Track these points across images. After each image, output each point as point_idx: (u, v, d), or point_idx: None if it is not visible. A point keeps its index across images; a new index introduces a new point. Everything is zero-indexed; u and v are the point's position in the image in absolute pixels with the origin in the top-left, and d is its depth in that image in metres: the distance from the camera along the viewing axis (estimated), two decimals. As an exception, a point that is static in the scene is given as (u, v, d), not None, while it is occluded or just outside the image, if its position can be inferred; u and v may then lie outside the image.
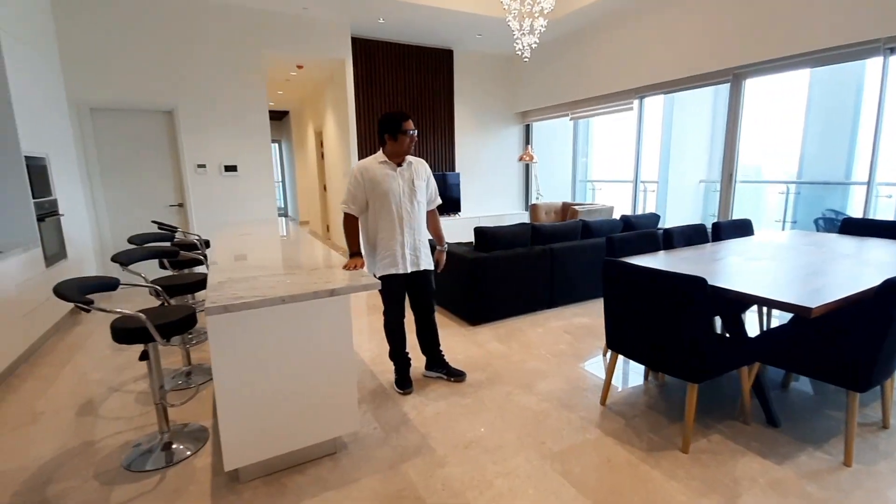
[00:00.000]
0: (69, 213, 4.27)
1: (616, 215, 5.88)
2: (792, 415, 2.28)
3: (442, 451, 2.05)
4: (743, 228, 3.59)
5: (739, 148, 4.62)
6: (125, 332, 1.86)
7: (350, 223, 2.48)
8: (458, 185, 7.21)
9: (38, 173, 3.67)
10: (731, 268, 2.43)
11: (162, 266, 3.24)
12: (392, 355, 2.68)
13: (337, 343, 1.93)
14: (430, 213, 2.67)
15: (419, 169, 2.54)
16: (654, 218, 4.70)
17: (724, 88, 4.70)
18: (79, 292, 1.76)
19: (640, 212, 6.33)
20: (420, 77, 6.81)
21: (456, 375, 2.73)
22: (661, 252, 2.97)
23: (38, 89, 3.89)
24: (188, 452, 2.09)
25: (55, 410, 2.49)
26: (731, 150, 4.64)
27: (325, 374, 1.93)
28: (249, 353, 1.76)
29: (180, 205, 5.25)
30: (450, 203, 7.17)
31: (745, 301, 2.00)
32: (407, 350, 2.69)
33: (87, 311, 1.74)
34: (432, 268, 2.63)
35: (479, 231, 3.78)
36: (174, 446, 2.11)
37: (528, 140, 7.92)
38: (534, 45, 4.47)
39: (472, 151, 7.51)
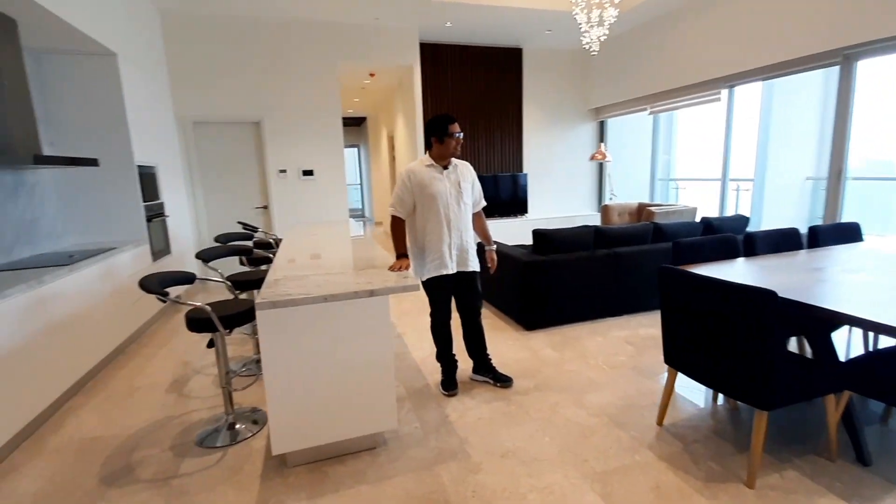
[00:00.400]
0: (174, 214, 4.89)
1: (700, 217, 5.38)
2: (889, 453, 1.91)
3: (478, 457, 2.03)
4: (849, 233, 3.09)
5: (850, 140, 3.98)
6: (195, 321, 2.09)
7: (397, 226, 2.52)
8: (526, 185, 7.07)
9: (148, 181, 4.25)
10: (822, 280, 2.10)
11: (241, 263, 3.58)
12: (439, 356, 2.71)
13: (376, 342, 1.99)
14: (476, 216, 2.68)
15: (464, 171, 2.55)
16: (742, 220, 4.22)
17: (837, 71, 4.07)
18: (159, 285, 2.01)
19: (730, 213, 5.73)
20: (488, 77, 6.78)
21: (503, 381, 2.68)
22: (740, 260, 2.66)
23: (151, 107, 4.51)
24: (249, 434, 2.29)
25: (150, 386, 2.87)
26: (841, 142, 4.01)
27: (365, 372, 2.00)
28: (295, 347, 1.88)
29: (265, 207, 5.77)
30: (517, 204, 7.06)
31: (834, 320, 1.72)
32: (454, 352, 2.71)
33: (164, 301, 1.98)
34: (479, 269, 2.61)
35: (537, 233, 3.67)
36: (237, 427, 2.32)
37: (602, 137, 7.53)
38: (603, 38, 4.24)
39: (542, 151, 7.32)
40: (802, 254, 2.74)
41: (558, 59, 7.13)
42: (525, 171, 7.19)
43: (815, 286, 2.00)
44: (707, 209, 5.92)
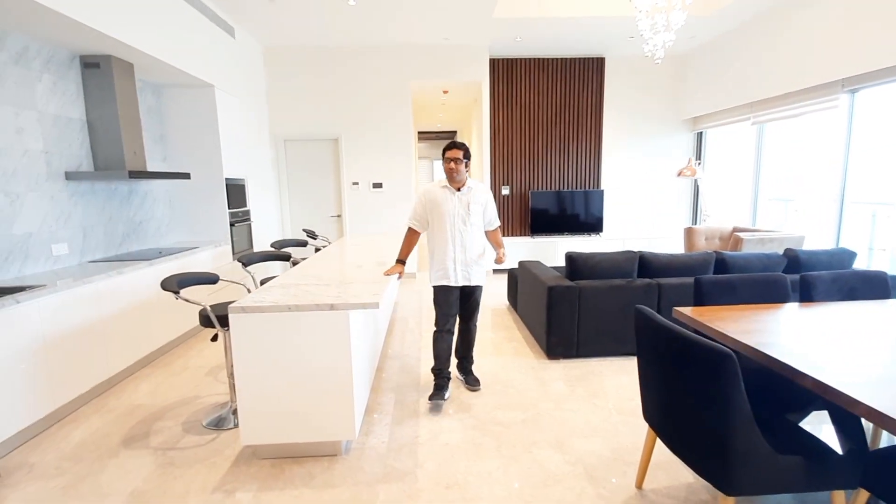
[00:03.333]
0: (262, 219, 5.63)
1: (812, 246, 4.49)
2: None
3: (424, 484, 2.00)
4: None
5: None
6: (203, 318, 2.43)
7: (409, 236, 2.79)
8: (602, 203, 6.60)
9: (237, 191, 4.97)
10: (862, 346, 1.65)
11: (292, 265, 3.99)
12: (434, 369, 2.85)
13: (335, 354, 2.09)
14: (491, 233, 2.91)
15: (477, 194, 2.75)
16: (844, 256, 3.43)
17: None
18: (176, 284, 2.38)
19: (857, 244, 4.69)
20: (565, 89, 6.52)
21: (472, 384, 2.92)
22: (787, 306, 2.20)
23: (246, 128, 5.27)
24: (248, 422, 2.56)
25: (197, 367, 3.36)
26: None
27: (324, 381, 2.11)
28: (262, 349, 2.07)
29: (338, 216, 6.31)
30: (591, 222, 6.62)
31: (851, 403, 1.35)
32: (450, 368, 2.88)
33: (176, 298, 2.34)
34: (482, 283, 2.83)
35: (569, 256, 3.45)
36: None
37: (699, 150, 6.71)
38: (669, 43, 3.82)
39: (624, 165, 6.77)
40: (882, 305, 2.15)
41: (648, 66, 6.55)
42: (602, 187, 6.72)
43: (847, 351, 1.58)
44: (824, 238, 4.91)
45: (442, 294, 2.74)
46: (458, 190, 2.70)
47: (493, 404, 2.71)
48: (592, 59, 6.48)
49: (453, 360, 2.92)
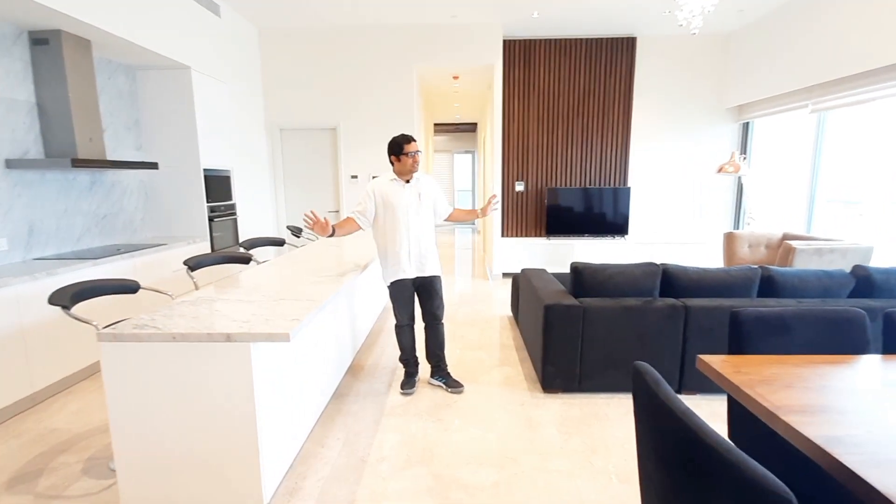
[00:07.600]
0: (250, 213, 5.23)
1: (883, 261, 3.69)
2: None
3: (338, 582, 1.48)
4: None
5: None
6: (101, 337, 1.99)
7: (348, 222, 2.72)
8: (628, 202, 5.86)
9: (219, 183, 4.59)
10: None
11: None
12: (400, 358, 2.90)
13: (235, 400, 1.60)
14: (454, 215, 2.90)
15: (427, 185, 2.75)
16: (933, 276, 2.66)
17: None
18: (69, 298, 1.94)
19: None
20: (589, 74, 5.81)
21: (454, 387, 2.80)
22: (865, 358, 1.54)
23: (234, 115, 4.87)
24: (165, 462, 2.12)
25: (140, 383, 2.97)
26: None
27: (223, 437, 1.62)
28: (142, 390, 1.61)
29: (336, 211, 5.86)
30: (615, 223, 5.91)
31: None
32: (416, 355, 2.90)
33: (67, 314, 1.91)
34: (439, 274, 2.80)
35: (574, 268, 2.83)
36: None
37: (744, 144, 5.86)
38: (709, 9, 3.12)
39: (655, 160, 6.00)
40: None
41: (687, 47, 5.74)
42: (629, 184, 5.98)
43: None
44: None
45: (398, 289, 2.75)
46: (408, 182, 2.69)
47: (464, 454, 2.16)
48: (622, 39, 5.73)
49: (429, 368, 2.91)
